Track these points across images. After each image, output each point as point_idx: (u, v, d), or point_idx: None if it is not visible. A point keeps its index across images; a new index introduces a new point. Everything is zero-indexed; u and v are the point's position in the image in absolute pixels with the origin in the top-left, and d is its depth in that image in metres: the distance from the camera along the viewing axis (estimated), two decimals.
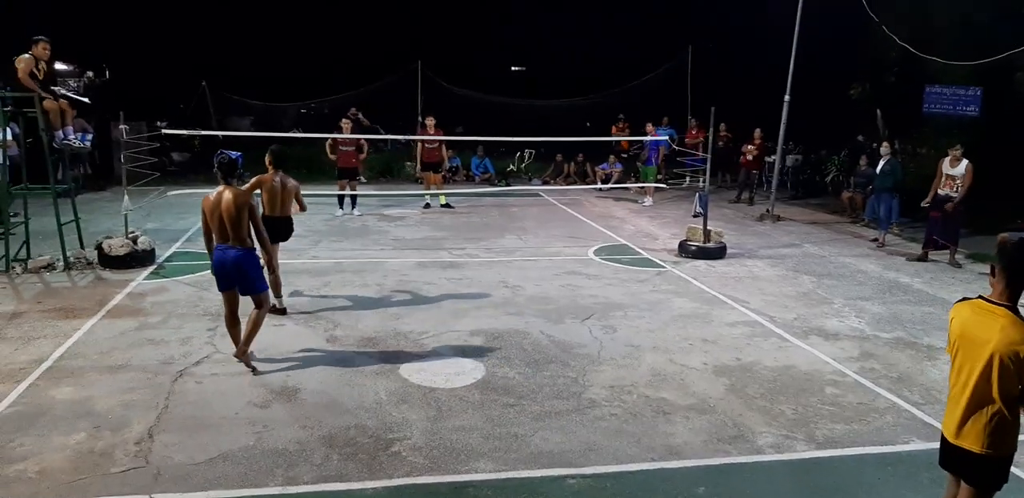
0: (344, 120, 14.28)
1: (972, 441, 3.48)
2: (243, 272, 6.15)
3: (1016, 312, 3.35)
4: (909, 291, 9.44)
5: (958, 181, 10.69)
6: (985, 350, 3.35)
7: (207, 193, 6.30)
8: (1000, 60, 12.80)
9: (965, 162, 10.69)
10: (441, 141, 15.01)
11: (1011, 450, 3.51)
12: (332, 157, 14.05)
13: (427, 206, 15.27)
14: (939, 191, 10.89)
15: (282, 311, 7.80)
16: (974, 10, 13.66)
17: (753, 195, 17.05)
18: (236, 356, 6.24)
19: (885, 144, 12.92)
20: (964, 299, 3.62)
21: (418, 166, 16.44)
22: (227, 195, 6.07)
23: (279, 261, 7.96)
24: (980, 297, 3.50)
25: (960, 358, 3.50)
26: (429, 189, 15.31)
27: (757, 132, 16.89)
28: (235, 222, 6.05)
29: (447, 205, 15.41)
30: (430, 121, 14.92)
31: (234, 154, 6.28)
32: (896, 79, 16.11)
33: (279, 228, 7.86)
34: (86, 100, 10.86)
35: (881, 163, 12.54)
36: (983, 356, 3.36)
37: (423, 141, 15.02)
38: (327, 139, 14.08)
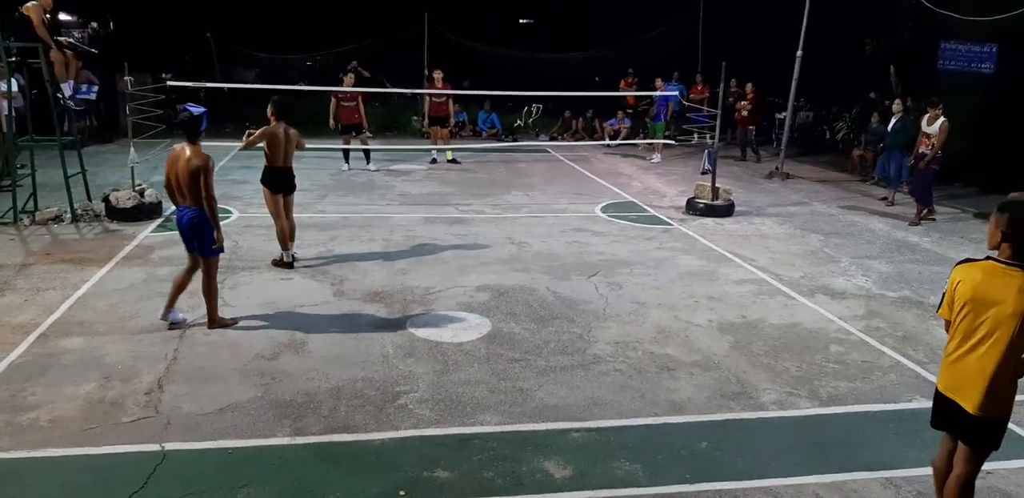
0: (345, 74, 14.05)
1: (973, 403, 3.47)
2: (196, 232, 6.01)
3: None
4: (917, 250, 9.41)
5: (933, 139, 10.56)
6: (1004, 311, 3.33)
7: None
8: (1017, 16, 12.51)
9: (941, 120, 10.56)
10: (448, 95, 14.84)
11: (1008, 413, 3.54)
12: (332, 122, 13.80)
13: (433, 161, 15.18)
14: (919, 149, 10.80)
15: (288, 264, 7.82)
16: None
17: (757, 151, 16.80)
18: (208, 328, 6.15)
19: (898, 101, 12.73)
20: (967, 261, 3.57)
21: (425, 121, 16.31)
22: (184, 155, 5.87)
23: (294, 214, 8.09)
24: (989, 258, 3.46)
25: (970, 320, 3.45)
26: (436, 144, 15.21)
27: (749, 87, 16.53)
28: (189, 184, 5.87)
29: (453, 160, 15.32)
30: (438, 75, 14.73)
31: (197, 110, 5.95)
32: (911, 35, 15.79)
33: (283, 178, 7.88)
34: (93, 51, 10.74)
35: (893, 120, 12.38)
36: (1003, 317, 3.34)
37: (430, 95, 14.86)
38: (332, 94, 13.87)
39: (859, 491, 4.17)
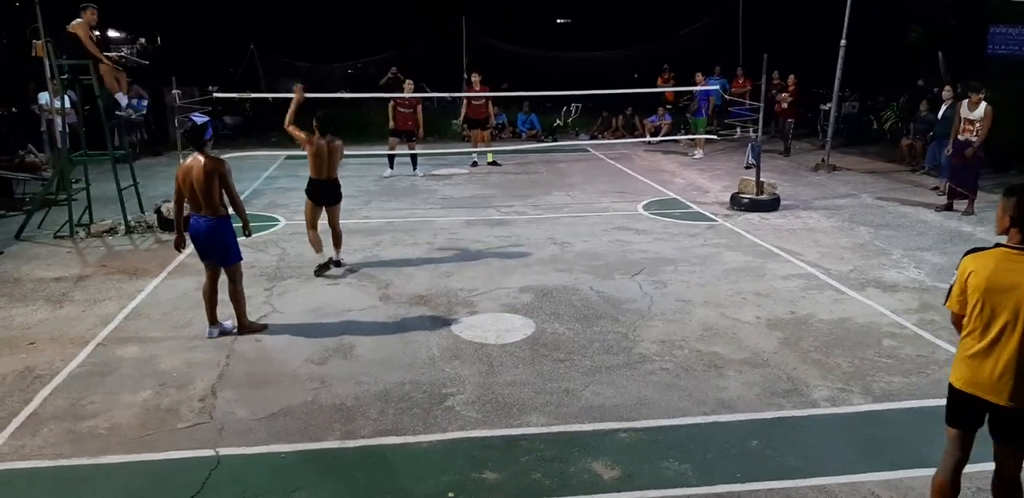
0: (407, 81, 14.06)
1: (1001, 394, 3.32)
2: (215, 241, 6.05)
3: None
4: (971, 240, 9.17)
5: (977, 125, 10.23)
6: (1017, 297, 3.23)
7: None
8: None
9: (984, 105, 10.22)
10: (487, 98, 14.88)
11: None
12: (392, 123, 13.89)
13: (474, 164, 15.23)
14: (959, 137, 10.45)
15: (326, 266, 7.98)
16: None
17: (789, 145, 16.46)
18: (239, 333, 6.25)
19: (948, 88, 12.42)
20: (975, 250, 3.47)
21: (463, 123, 16.37)
22: (197, 163, 5.93)
23: (340, 221, 8.23)
24: (999, 245, 3.36)
25: (988, 311, 3.33)
26: (476, 147, 15.26)
27: (791, 79, 16.23)
28: (205, 190, 5.91)
29: (494, 162, 15.35)
30: (476, 78, 14.78)
31: (201, 119, 6.15)
32: (958, 21, 15.39)
33: (325, 190, 7.98)
34: (144, 62, 11.00)
35: (943, 108, 12.08)
36: (1014, 303, 3.24)
37: (469, 98, 14.91)
38: (372, 100, 13.99)
39: (916, 488, 4.07)
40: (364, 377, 5.49)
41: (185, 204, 6.19)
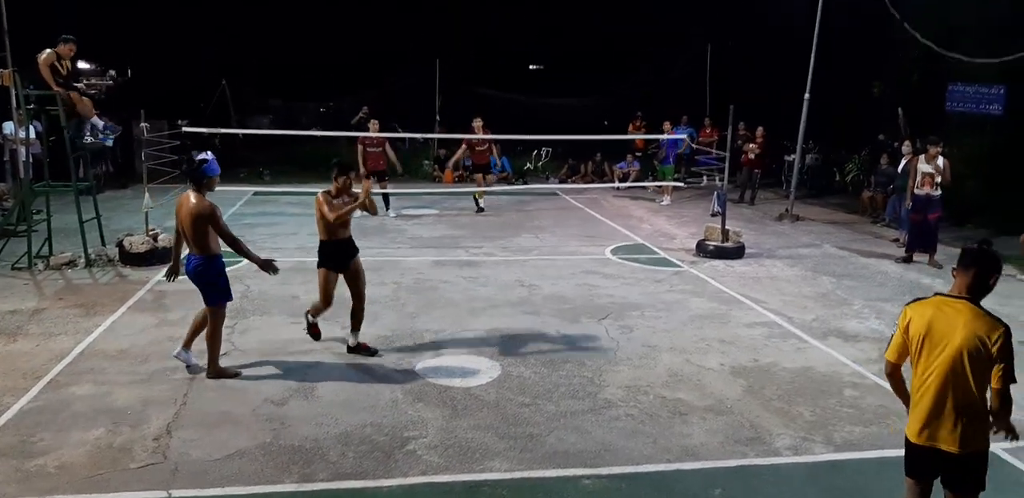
0: (368, 120, 14.08)
1: (951, 442, 3.41)
2: (200, 279, 5.98)
3: (976, 304, 3.40)
4: (930, 292, 9.30)
5: (936, 178, 10.50)
6: (955, 347, 3.34)
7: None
8: (1022, 59, 12.64)
9: (941, 159, 10.53)
10: (490, 144, 14.86)
11: (987, 445, 3.46)
12: (362, 169, 13.77)
13: (480, 210, 14.96)
14: (916, 191, 10.71)
15: (366, 349, 6.72)
16: (993, 9, 13.50)
17: (755, 195, 16.76)
18: (207, 377, 6.06)
19: (907, 143, 12.78)
20: (916, 300, 3.60)
21: (464, 170, 16.44)
22: (187, 201, 5.86)
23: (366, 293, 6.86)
24: (937, 294, 3.51)
25: (926, 356, 3.44)
26: (480, 191, 15.14)
27: (760, 130, 16.61)
28: (191, 230, 5.85)
29: (481, 209, 15.12)
30: (478, 123, 14.64)
31: (201, 156, 5.89)
32: (919, 77, 15.94)
33: (348, 250, 6.65)
34: (109, 82, 10.92)
35: (903, 162, 12.41)
36: (953, 354, 3.35)
37: (471, 145, 14.87)
38: (343, 138, 13.96)
39: None
40: (324, 418, 5.39)
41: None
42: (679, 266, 10.41)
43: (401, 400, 5.74)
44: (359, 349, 6.70)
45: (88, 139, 10.18)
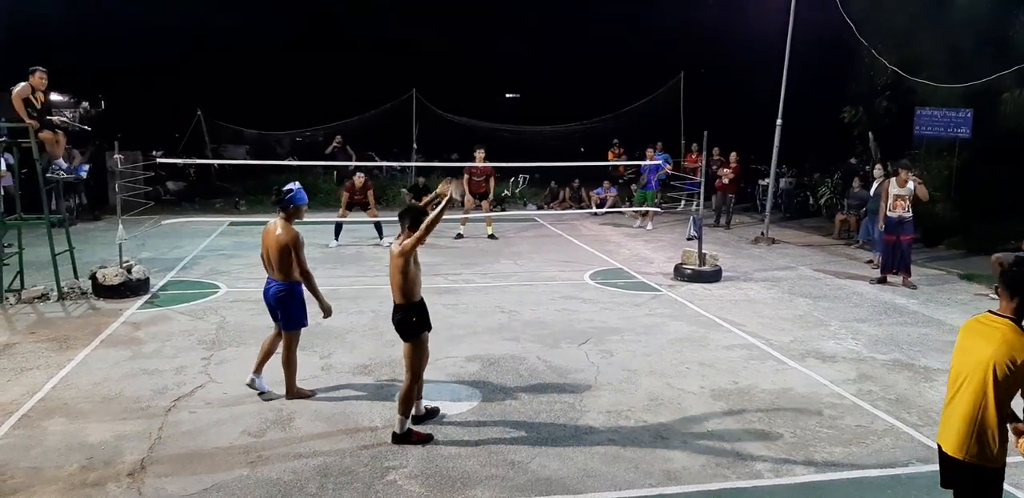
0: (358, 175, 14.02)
1: (955, 447, 3.57)
2: (280, 305, 6.13)
3: (1018, 324, 3.49)
4: (905, 313, 9.44)
5: (908, 201, 10.64)
6: (984, 359, 3.45)
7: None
8: (987, 83, 12.96)
9: (913, 182, 10.69)
10: (489, 174, 14.90)
11: (993, 463, 3.54)
12: (345, 213, 13.77)
13: (492, 237, 15.03)
14: (888, 214, 10.85)
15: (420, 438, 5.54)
16: (958, 37, 13.85)
17: (730, 219, 16.93)
18: (287, 398, 6.23)
19: (879, 167, 12.99)
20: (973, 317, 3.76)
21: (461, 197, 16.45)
22: (275, 230, 6.06)
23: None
24: (989, 311, 3.63)
25: (956, 368, 3.61)
26: (486, 221, 15.16)
27: (733, 155, 16.75)
28: (278, 257, 6.02)
29: (460, 235, 15.21)
30: (480, 154, 14.71)
31: (288, 186, 6.13)
32: (888, 102, 16.27)
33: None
34: (87, 128, 10.92)
35: (875, 185, 12.59)
36: (981, 365, 3.46)
37: (470, 175, 14.93)
38: (320, 167, 13.93)
39: None
40: (303, 450, 5.32)
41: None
42: (657, 290, 10.44)
43: (381, 429, 5.68)
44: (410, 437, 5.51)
45: (61, 174, 10.10)
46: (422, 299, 5.61)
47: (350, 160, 18.12)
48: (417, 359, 5.49)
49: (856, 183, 15.15)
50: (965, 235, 13.72)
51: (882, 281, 11.00)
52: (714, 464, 5.21)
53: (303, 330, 6.29)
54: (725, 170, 16.68)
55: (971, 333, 3.61)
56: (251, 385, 6.27)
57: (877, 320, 9.07)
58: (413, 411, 5.61)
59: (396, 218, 5.51)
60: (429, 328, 5.65)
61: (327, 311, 6.23)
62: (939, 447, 3.73)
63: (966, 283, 11.14)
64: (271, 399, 6.22)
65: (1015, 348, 3.38)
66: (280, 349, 6.26)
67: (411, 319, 5.47)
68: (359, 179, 13.74)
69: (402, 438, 5.42)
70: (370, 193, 13.98)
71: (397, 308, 5.54)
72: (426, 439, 5.47)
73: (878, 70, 15.48)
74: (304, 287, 6.17)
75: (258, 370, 6.31)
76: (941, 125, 14.57)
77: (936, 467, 4.68)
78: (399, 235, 5.45)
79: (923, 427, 5.84)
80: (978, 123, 13.99)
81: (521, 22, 25.36)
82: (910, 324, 8.90)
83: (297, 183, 6.22)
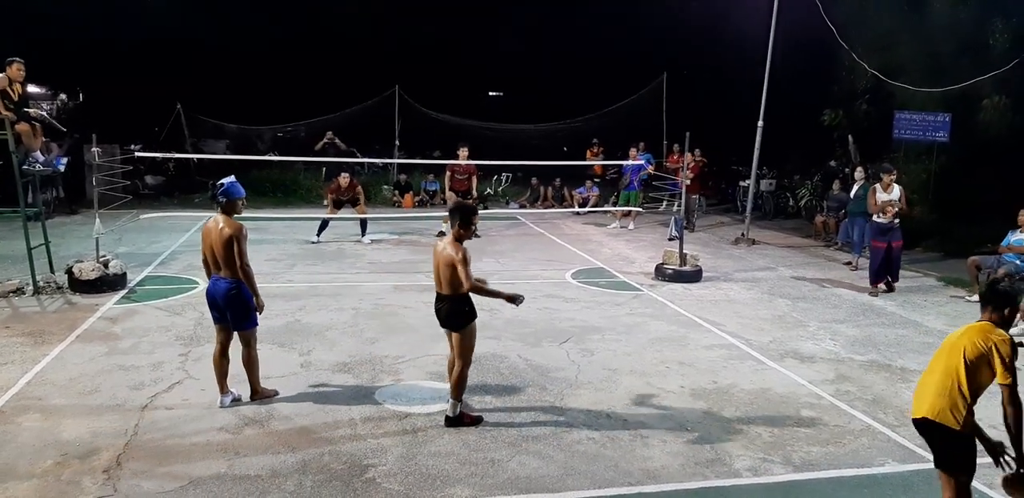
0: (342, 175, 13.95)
1: (927, 409, 4.03)
2: (232, 304, 5.87)
3: (995, 324, 4.05)
4: (883, 314, 9.52)
5: (895, 208, 10.61)
6: (960, 343, 4.01)
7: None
8: (966, 88, 13.10)
9: (896, 186, 10.70)
10: (472, 173, 14.81)
11: (962, 429, 3.95)
12: (333, 210, 13.74)
13: (441, 234, 14.91)
14: (877, 219, 10.75)
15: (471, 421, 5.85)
16: (937, 42, 14.00)
17: (694, 220, 16.70)
18: (252, 399, 6.08)
19: (860, 169, 13.08)
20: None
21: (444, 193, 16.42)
22: (217, 225, 5.84)
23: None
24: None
25: (935, 354, 4.18)
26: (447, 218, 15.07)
27: (695, 153, 16.44)
28: (224, 253, 5.79)
29: (442, 233, 15.09)
30: (463, 152, 14.61)
31: (224, 180, 5.93)
32: (867, 106, 16.40)
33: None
34: (62, 128, 10.81)
35: (855, 188, 12.68)
36: (957, 347, 4.01)
37: (453, 172, 14.80)
38: (301, 163, 13.83)
39: None
40: (281, 447, 5.28)
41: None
42: (638, 289, 10.47)
43: (360, 427, 5.66)
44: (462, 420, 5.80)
45: (38, 166, 9.98)
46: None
47: (341, 155, 17.99)
48: (468, 347, 5.78)
49: (836, 185, 15.26)
50: (942, 238, 13.86)
51: (887, 291, 10.74)
52: (693, 463, 5.23)
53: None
54: (685, 171, 16.58)
55: (953, 335, 4.12)
56: (223, 406, 5.99)
57: (855, 321, 9.14)
58: (450, 412, 5.77)
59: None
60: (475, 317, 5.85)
61: (260, 308, 6.02)
62: (915, 422, 4.15)
63: (943, 286, 11.26)
64: (237, 403, 6.05)
65: (986, 331, 3.98)
66: (240, 355, 6.02)
67: (463, 309, 5.83)
68: (344, 179, 13.68)
69: (455, 421, 5.72)
70: (359, 190, 13.91)
71: (443, 298, 5.89)
72: (477, 421, 5.79)
73: (859, 74, 15.60)
74: (246, 283, 5.88)
75: (224, 391, 6.04)
76: (920, 129, 14.71)
77: (912, 467, 4.77)
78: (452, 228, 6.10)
79: (899, 427, 5.90)
80: (956, 127, 14.13)
81: (508, 21, 25.33)
82: (887, 325, 8.98)
83: (232, 177, 6.00)
